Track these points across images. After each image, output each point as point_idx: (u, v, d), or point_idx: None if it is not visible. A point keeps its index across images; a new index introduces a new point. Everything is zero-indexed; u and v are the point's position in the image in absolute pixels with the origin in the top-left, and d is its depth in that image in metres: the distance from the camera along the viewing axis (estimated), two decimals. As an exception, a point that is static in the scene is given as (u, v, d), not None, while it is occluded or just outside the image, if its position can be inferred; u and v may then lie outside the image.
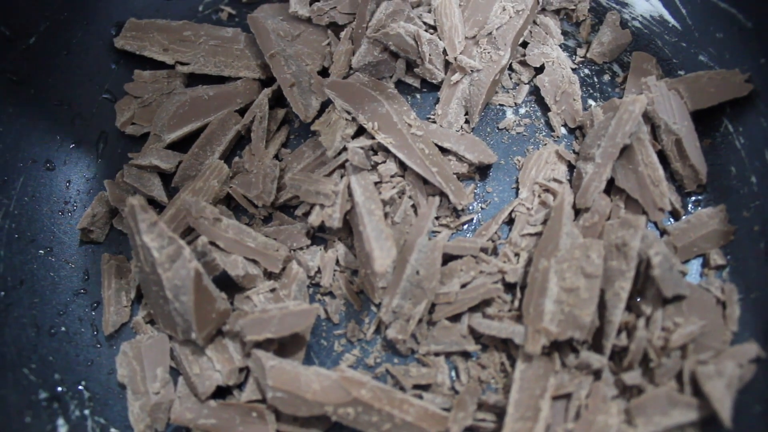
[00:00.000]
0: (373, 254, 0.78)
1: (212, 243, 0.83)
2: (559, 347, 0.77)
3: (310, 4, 1.01)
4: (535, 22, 1.00)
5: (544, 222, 0.87)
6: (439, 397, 0.80)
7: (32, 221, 0.92)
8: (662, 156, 0.89)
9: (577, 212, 0.86)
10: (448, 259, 0.85)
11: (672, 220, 0.89)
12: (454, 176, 0.87)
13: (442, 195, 0.88)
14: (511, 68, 1.00)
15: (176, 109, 0.97)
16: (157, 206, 0.94)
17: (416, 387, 0.81)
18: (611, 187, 0.88)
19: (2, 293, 0.86)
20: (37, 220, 0.92)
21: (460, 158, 0.90)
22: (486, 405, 0.78)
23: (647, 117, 0.88)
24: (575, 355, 0.77)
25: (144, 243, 0.78)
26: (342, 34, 0.98)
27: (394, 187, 0.87)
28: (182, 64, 1.01)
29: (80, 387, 0.84)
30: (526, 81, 0.99)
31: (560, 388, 0.75)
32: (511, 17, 0.95)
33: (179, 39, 1.02)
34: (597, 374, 0.77)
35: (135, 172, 0.95)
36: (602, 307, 0.77)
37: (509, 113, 0.98)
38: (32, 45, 0.95)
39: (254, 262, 0.85)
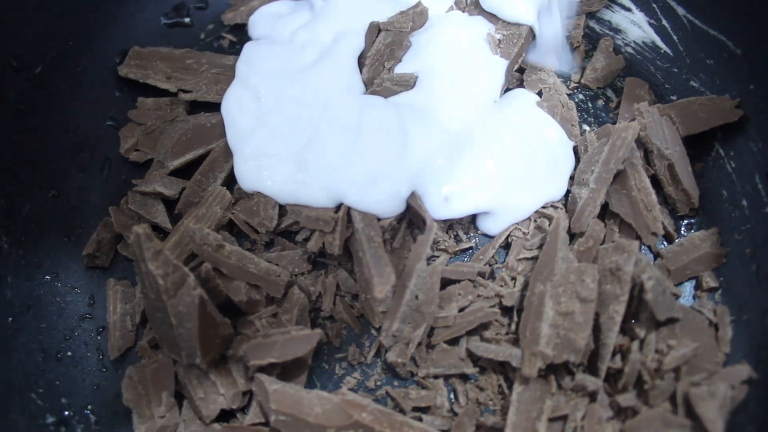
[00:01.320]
0: (373, 280, 0.80)
1: (215, 269, 0.85)
2: (555, 370, 0.78)
3: None
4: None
5: (540, 246, 0.89)
6: (438, 419, 0.81)
7: (38, 247, 0.93)
8: (655, 180, 0.91)
9: (572, 237, 0.88)
10: (446, 283, 0.87)
11: (665, 243, 0.91)
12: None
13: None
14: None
15: (179, 136, 0.98)
16: (161, 232, 0.95)
17: (416, 409, 0.83)
18: (605, 212, 0.90)
19: (10, 319, 0.87)
20: (43, 246, 0.94)
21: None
22: (484, 427, 0.80)
23: (640, 142, 0.90)
24: (571, 377, 0.79)
25: (149, 271, 0.79)
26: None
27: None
28: (184, 91, 1.03)
29: (87, 411, 0.86)
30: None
31: (556, 410, 0.76)
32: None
33: (181, 67, 1.05)
34: (592, 396, 0.78)
35: (139, 198, 0.97)
36: (597, 330, 0.78)
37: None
38: (38, 74, 0.97)
39: (256, 287, 0.87)
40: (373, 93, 0.95)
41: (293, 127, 0.92)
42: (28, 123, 0.96)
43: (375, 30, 0.98)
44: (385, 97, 0.93)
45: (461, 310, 0.86)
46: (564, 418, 0.77)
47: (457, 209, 0.89)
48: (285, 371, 0.82)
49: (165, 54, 1.06)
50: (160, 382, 0.84)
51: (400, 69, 0.96)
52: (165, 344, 0.84)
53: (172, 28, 1.11)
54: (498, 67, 0.95)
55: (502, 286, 0.88)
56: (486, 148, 0.89)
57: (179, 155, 0.97)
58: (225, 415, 0.83)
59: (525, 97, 0.97)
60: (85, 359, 0.90)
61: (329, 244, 0.87)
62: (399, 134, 0.88)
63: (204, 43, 1.11)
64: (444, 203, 0.87)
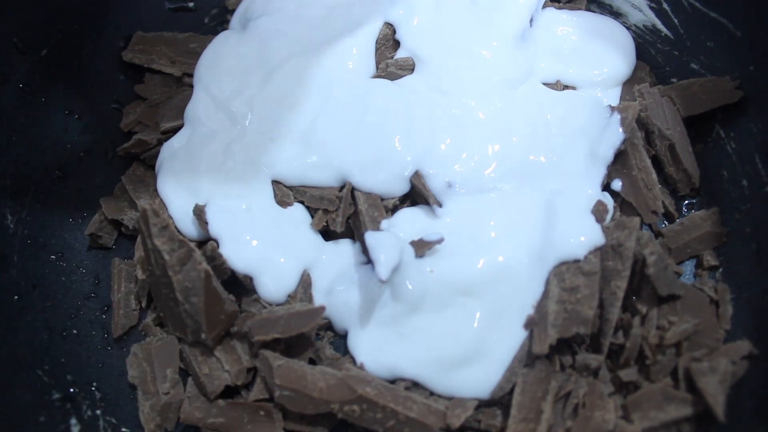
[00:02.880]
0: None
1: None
2: (559, 350, 0.79)
3: None
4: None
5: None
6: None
7: (44, 227, 0.94)
8: (656, 161, 0.91)
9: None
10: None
11: (666, 222, 0.92)
12: None
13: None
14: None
15: (178, 101, 1.00)
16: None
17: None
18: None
19: (16, 297, 0.88)
20: (48, 226, 0.95)
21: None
22: (486, 403, 0.80)
23: (641, 123, 0.91)
24: (573, 357, 0.79)
25: (155, 246, 0.80)
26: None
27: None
28: (189, 75, 1.04)
29: (92, 388, 0.87)
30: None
31: (561, 389, 0.77)
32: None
33: (186, 51, 1.05)
34: (594, 373, 0.79)
35: (134, 178, 0.97)
36: (599, 306, 0.79)
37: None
38: (44, 57, 0.97)
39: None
40: (379, 77, 0.95)
41: (296, 110, 0.93)
42: (34, 105, 0.96)
43: None
44: (391, 80, 0.94)
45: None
46: (567, 396, 0.78)
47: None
48: (289, 347, 0.82)
49: (169, 38, 1.07)
50: (165, 359, 0.85)
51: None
52: (170, 321, 0.85)
53: (176, 12, 1.12)
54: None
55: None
56: (493, 133, 0.90)
57: (174, 119, 0.98)
58: (229, 392, 0.83)
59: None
60: (90, 337, 0.90)
61: (332, 222, 0.88)
62: (403, 116, 0.89)
63: (208, 27, 1.12)
64: (447, 189, 0.87)
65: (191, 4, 1.12)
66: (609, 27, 1.02)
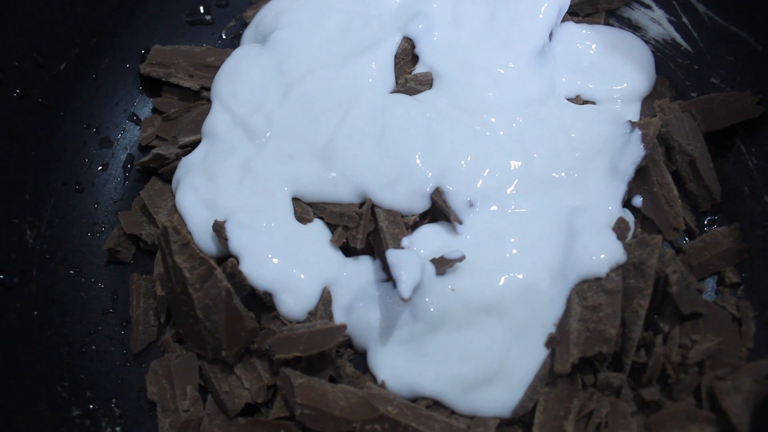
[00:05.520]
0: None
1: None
2: (581, 368, 0.78)
3: None
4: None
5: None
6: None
7: (62, 242, 0.94)
8: (677, 176, 0.91)
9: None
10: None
11: (687, 239, 0.91)
12: None
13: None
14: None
15: (196, 115, 0.99)
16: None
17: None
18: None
19: (35, 312, 0.88)
20: (66, 241, 0.95)
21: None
22: (507, 422, 0.80)
23: (661, 138, 0.90)
24: (595, 375, 0.79)
25: (175, 264, 0.80)
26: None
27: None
28: (207, 89, 1.03)
29: (111, 404, 0.86)
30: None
31: (583, 408, 0.77)
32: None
33: (203, 65, 1.05)
34: (617, 391, 0.79)
35: (152, 193, 0.97)
36: (621, 324, 0.78)
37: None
38: (62, 70, 0.98)
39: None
40: (398, 92, 0.95)
41: (316, 126, 0.93)
42: (52, 118, 0.97)
43: None
44: (411, 95, 0.94)
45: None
46: (589, 415, 0.78)
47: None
48: (309, 365, 0.82)
49: (186, 52, 1.06)
50: (185, 376, 0.84)
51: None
52: (190, 338, 0.84)
53: (193, 25, 1.12)
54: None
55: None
56: (514, 149, 0.89)
57: (191, 133, 0.98)
58: (249, 410, 0.83)
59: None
60: (108, 353, 0.90)
61: (352, 239, 0.87)
62: (424, 132, 0.89)
63: (226, 40, 1.12)
64: (467, 206, 0.87)
65: (209, 18, 1.12)
66: (628, 41, 1.01)
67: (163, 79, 1.04)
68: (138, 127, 1.05)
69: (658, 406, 0.78)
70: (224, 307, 0.78)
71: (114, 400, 0.87)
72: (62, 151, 0.98)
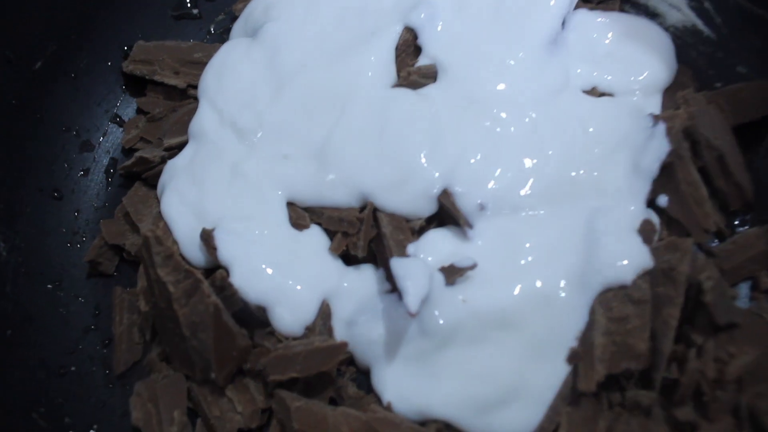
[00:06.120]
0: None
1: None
2: (606, 386, 0.72)
3: None
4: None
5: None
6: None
7: (39, 254, 0.88)
8: (704, 174, 0.84)
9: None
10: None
11: (716, 241, 0.85)
12: None
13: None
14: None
15: (183, 115, 0.93)
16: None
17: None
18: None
19: (9, 332, 0.82)
20: (44, 253, 0.89)
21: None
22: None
23: (687, 132, 0.84)
24: (622, 394, 0.72)
25: (158, 277, 0.74)
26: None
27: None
28: (194, 87, 0.97)
29: (92, 431, 0.80)
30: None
31: (610, 430, 0.70)
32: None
33: (190, 61, 0.99)
34: (647, 411, 0.72)
35: (136, 200, 0.91)
36: (651, 337, 0.72)
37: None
38: (38, 69, 0.93)
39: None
40: (400, 86, 0.88)
41: (312, 124, 0.86)
42: (27, 121, 0.92)
43: None
44: (414, 90, 0.87)
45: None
46: (616, 437, 0.71)
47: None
48: (307, 386, 0.76)
49: (172, 48, 1.00)
50: (172, 399, 0.78)
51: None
52: (176, 358, 0.78)
53: (179, 20, 1.06)
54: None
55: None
56: (527, 147, 0.83)
57: (178, 134, 0.92)
58: (243, 435, 0.77)
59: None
60: (90, 375, 0.84)
61: (353, 246, 0.81)
62: (429, 129, 0.82)
63: (214, 35, 1.06)
64: (478, 209, 0.80)
65: (196, 11, 1.07)
66: (646, 29, 0.94)
67: (147, 77, 0.99)
68: (121, 129, 0.99)
69: (693, 427, 0.71)
70: (212, 325, 0.72)
71: (95, 426, 0.81)
72: (38, 155, 0.92)
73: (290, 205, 0.84)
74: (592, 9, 0.96)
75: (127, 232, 0.89)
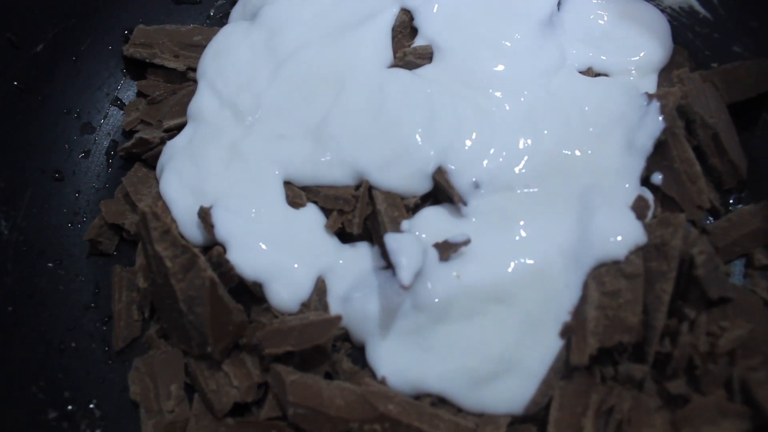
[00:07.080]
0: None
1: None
2: (599, 359, 0.72)
3: None
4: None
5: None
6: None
7: (41, 233, 0.89)
8: (699, 152, 0.84)
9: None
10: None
11: (711, 218, 0.85)
12: None
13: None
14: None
15: (182, 97, 0.94)
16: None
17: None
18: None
19: (10, 308, 0.82)
20: (45, 232, 0.89)
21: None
22: (520, 419, 0.74)
23: (681, 111, 0.84)
24: (615, 367, 0.72)
25: (156, 253, 0.74)
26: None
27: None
28: (193, 70, 0.98)
29: (91, 405, 0.81)
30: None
31: (603, 404, 0.70)
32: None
33: (190, 44, 0.99)
34: (639, 385, 0.72)
35: (136, 180, 0.92)
36: (643, 311, 0.72)
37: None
38: (40, 52, 0.93)
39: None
40: (396, 67, 0.89)
41: (308, 104, 0.87)
42: (29, 103, 0.92)
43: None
44: (410, 70, 0.87)
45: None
46: (609, 411, 0.71)
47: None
48: (303, 360, 0.76)
49: (172, 31, 1.01)
50: (169, 374, 0.79)
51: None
52: (174, 333, 0.79)
53: (179, 4, 1.06)
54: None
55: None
56: (522, 125, 0.83)
57: (177, 116, 0.92)
58: (239, 409, 0.77)
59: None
60: (89, 351, 0.85)
61: (348, 223, 0.81)
62: (424, 108, 0.82)
63: (215, 19, 1.06)
64: (472, 186, 0.81)
65: (195, -5, 1.07)
66: (642, 9, 0.95)
67: (148, 61, 0.99)
68: (122, 112, 1.00)
69: (685, 400, 0.71)
70: (209, 299, 0.72)
71: (94, 401, 0.81)
72: (40, 137, 0.93)
73: (287, 184, 0.85)
74: (588, -11, 0.96)
75: (126, 212, 0.90)
